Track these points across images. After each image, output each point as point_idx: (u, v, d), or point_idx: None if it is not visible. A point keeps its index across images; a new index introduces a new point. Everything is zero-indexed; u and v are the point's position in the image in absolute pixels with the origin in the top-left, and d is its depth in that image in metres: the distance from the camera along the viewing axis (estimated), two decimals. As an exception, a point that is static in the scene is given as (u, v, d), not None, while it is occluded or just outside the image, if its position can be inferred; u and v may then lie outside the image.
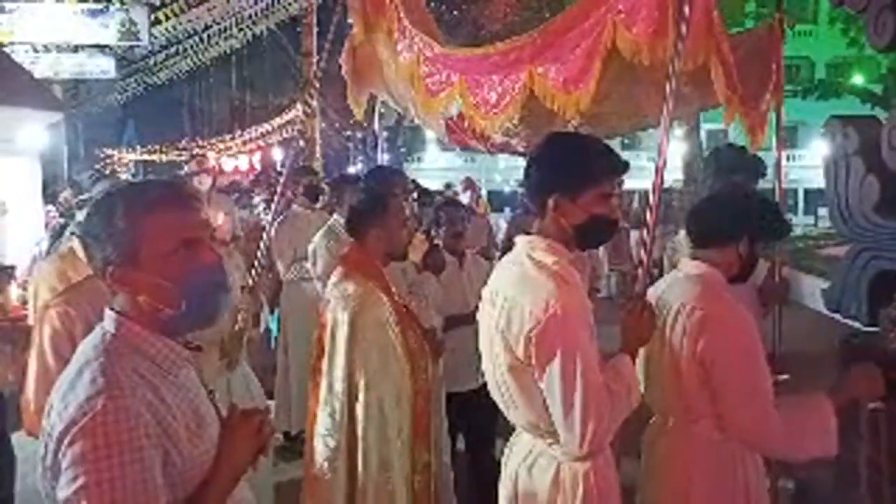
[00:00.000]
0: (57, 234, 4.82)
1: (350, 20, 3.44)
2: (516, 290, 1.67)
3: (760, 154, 2.94)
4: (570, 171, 1.69)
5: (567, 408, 1.58)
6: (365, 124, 15.99)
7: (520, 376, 1.67)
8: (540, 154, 1.77)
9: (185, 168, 4.74)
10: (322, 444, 2.42)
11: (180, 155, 21.75)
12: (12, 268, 4.49)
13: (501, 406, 1.79)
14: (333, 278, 2.58)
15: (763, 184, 3.00)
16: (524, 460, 1.76)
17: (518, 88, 2.60)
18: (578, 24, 2.41)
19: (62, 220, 5.61)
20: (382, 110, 4.11)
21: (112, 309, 1.25)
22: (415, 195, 4.24)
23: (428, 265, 3.14)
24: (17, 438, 2.64)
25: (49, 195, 10.06)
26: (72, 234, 3.27)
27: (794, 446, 1.86)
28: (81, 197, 4.90)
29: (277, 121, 19.47)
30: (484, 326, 1.80)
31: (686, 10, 1.98)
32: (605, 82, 2.40)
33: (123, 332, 1.22)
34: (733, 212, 1.98)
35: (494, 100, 2.71)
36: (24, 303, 3.11)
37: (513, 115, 2.72)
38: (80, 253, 3.05)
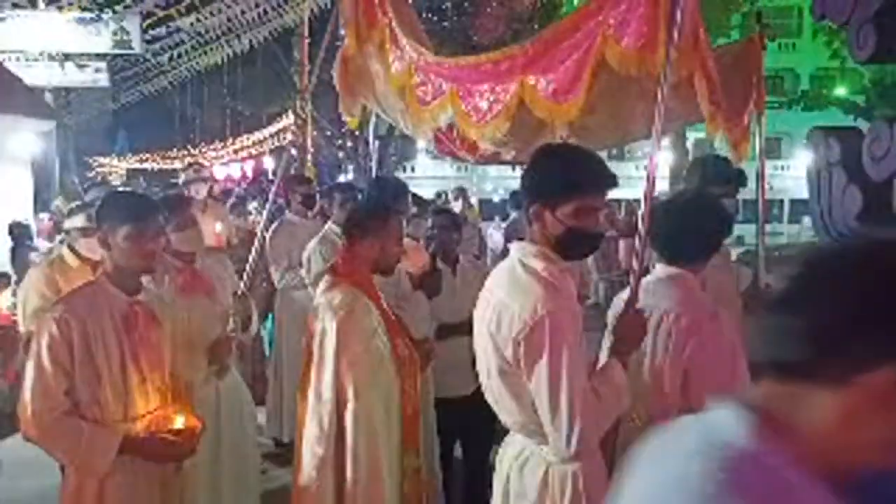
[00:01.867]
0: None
1: (343, 31, 3.48)
2: (506, 294, 1.72)
3: (745, 164, 3.01)
4: (550, 182, 1.72)
5: (554, 410, 1.62)
6: (357, 133, 16.03)
7: (509, 379, 1.71)
8: (530, 164, 1.82)
9: (182, 176, 4.72)
10: (310, 453, 2.42)
11: (172, 162, 21.70)
12: (5, 275, 4.48)
13: (494, 407, 1.82)
14: (322, 286, 2.58)
15: (746, 193, 3.07)
16: (516, 460, 1.80)
17: (509, 98, 2.63)
18: (569, 36, 2.45)
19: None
20: (375, 120, 4.15)
21: (755, 412, 0.74)
22: (414, 208, 4.27)
23: (424, 286, 3.15)
24: (13, 443, 2.64)
25: (40, 203, 10.03)
26: (60, 241, 3.29)
27: None
28: (73, 204, 4.90)
29: (270, 129, 19.50)
30: (478, 329, 1.84)
31: (678, 16, 2.02)
32: (594, 94, 2.44)
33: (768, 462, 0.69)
34: (698, 235, 2.03)
35: (485, 108, 2.74)
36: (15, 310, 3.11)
37: (503, 125, 2.75)
38: (70, 260, 3.09)
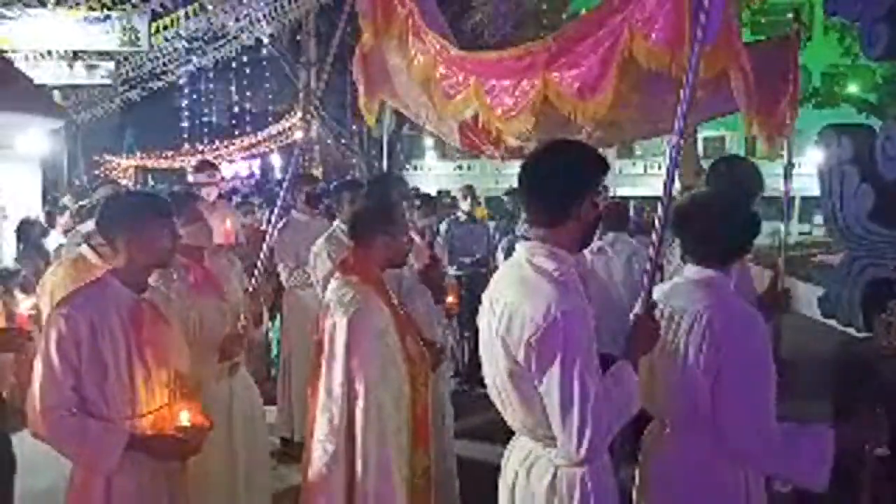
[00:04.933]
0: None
1: (350, 28, 3.44)
2: (516, 296, 1.69)
3: (761, 162, 2.96)
4: (581, 176, 1.74)
5: (565, 413, 1.60)
6: (363, 131, 16.02)
7: (519, 381, 1.68)
8: (545, 165, 1.78)
9: (192, 178, 4.60)
10: (321, 449, 2.43)
11: (175, 161, 21.78)
12: (18, 272, 4.49)
13: (500, 409, 1.80)
14: (332, 283, 2.60)
15: (767, 191, 3.02)
16: (523, 463, 1.78)
17: (533, 94, 2.61)
18: (593, 32, 2.43)
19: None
20: (386, 118, 4.13)
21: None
22: (417, 202, 4.26)
23: (424, 280, 3.16)
24: (21, 439, 2.65)
25: (49, 201, 10.09)
26: (78, 244, 3.30)
27: (786, 468, 1.84)
28: (82, 203, 4.90)
29: (276, 127, 19.55)
30: (483, 332, 1.82)
31: (703, 18, 1.95)
32: (620, 90, 2.40)
33: None
34: (731, 235, 1.97)
35: (510, 104, 2.72)
36: (33, 311, 3.07)
37: (528, 120, 2.73)
38: (93, 259, 3.09)
